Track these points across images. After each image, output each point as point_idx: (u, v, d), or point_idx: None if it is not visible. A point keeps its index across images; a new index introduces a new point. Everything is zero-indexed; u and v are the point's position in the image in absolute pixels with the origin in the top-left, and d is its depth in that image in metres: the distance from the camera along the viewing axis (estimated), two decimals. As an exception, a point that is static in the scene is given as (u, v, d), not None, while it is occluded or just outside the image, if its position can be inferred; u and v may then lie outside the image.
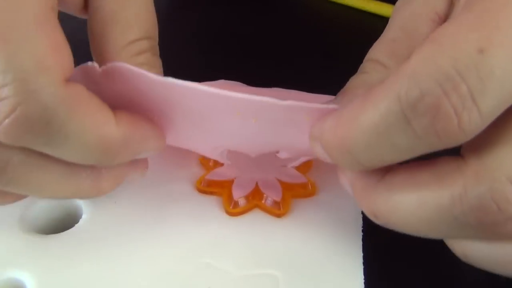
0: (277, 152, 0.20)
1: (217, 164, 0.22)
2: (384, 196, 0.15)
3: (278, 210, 0.20)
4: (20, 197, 0.18)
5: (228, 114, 0.16)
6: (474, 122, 0.13)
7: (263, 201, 0.20)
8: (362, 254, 0.19)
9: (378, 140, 0.14)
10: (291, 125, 0.16)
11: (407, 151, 0.14)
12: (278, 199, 0.20)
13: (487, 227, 0.14)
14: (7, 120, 0.14)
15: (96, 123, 0.15)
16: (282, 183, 0.21)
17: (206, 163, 0.22)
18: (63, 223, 0.20)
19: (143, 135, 0.17)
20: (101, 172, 0.17)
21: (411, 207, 0.15)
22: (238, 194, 0.20)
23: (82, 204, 0.20)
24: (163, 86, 0.15)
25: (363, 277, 0.18)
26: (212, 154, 0.21)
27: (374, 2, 0.43)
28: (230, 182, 0.21)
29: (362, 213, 0.21)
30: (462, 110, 0.13)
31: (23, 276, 0.18)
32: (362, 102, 0.14)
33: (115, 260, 0.18)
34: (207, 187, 0.21)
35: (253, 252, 0.19)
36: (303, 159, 0.21)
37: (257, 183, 0.21)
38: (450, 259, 0.20)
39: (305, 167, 0.22)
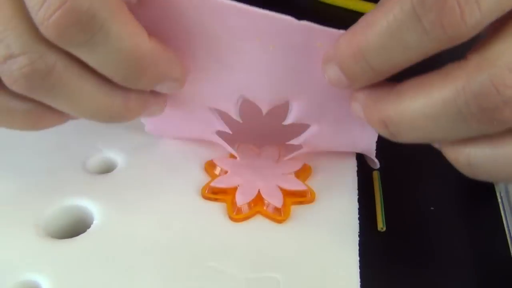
0: (287, 107, 0.21)
1: (221, 172, 0.23)
2: (395, 103, 0.17)
3: (279, 216, 0.21)
4: (57, 119, 0.19)
5: (249, 38, 0.18)
6: (474, 16, 0.15)
7: (264, 208, 0.22)
8: (358, 258, 0.20)
9: (391, 41, 0.16)
10: (305, 55, 0.18)
11: (417, 50, 0.16)
12: (279, 205, 0.21)
13: (487, 114, 0.16)
14: (58, 12, 0.16)
15: (133, 31, 0.17)
16: (282, 190, 0.22)
17: (211, 170, 0.23)
18: (75, 228, 0.21)
19: (170, 58, 0.18)
20: (131, 92, 0.19)
21: (419, 107, 0.17)
22: (241, 201, 0.21)
23: (93, 210, 0.21)
24: (192, 4, 0.17)
25: (359, 279, 0.19)
26: (227, 105, 0.21)
27: (365, 3, 0.45)
28: (234, 190, 0.22)
29: (359, 219, 0.22)
30: (465, 4, 0.15)
31: (39, 278, 0.19)
32: (375, 11, 0.16)
33: (125, 264, 0.19)
34: (212, 194, 0.22)
35: (256, 256, 0.20)
36: (302, 150, 0.23)
37: (259, 190, 0.22)
38: (440, 265, 0.21)
39: (304, 175, 0.23)
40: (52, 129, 0.20)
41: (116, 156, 0.24)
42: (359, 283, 0.19)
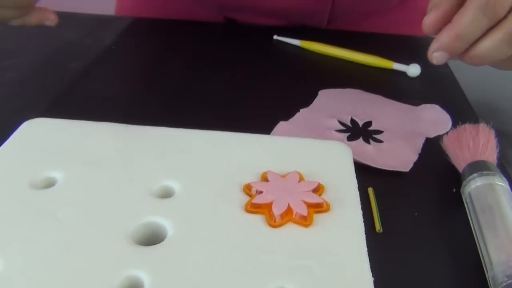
0: None
1: (257, 192, 0.31)
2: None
3: (306, 222, 0.29)
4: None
5: None
6: (508, 5, 0.30)
7: (294, 216, 0.29)
8: (366, 250, 0.28)
9: (474, 25, 0.30)
10: None
11: (483, 27, 0.31)
12: (305, 214, 0.29)
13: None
14: None
15: None
16: (306, 203, 0.30)
17: (248, 191, 0.31)
18: (150, 239, 0.28)
19: None
20: None
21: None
22: (278, 212, 0.29)
23: (166, 225, 0.28)
24: None
25: (369, 265, 0.27)
26: None
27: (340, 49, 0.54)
28: (269, 205, 0.29)
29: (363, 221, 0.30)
30: (501, 4, 0.30)
31: (140, 274, 0.25)
32: (460, 12, 0.31)
33: (203, 264, 0.26)
34: (254, 209, 0.29)
35: (292, 250, 0.27)
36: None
37: (289, 204, 0.29)
38: (423, 256, 0.29)
39: (320, 191, 0.31)
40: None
41: (174, 185, 0.31)
42: (369, 268, 0.26)
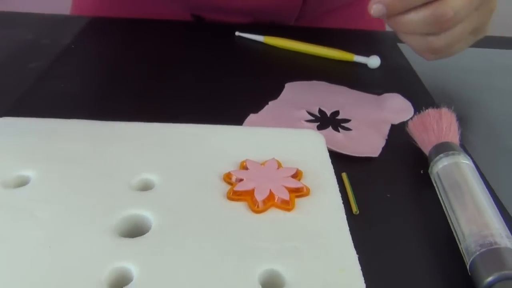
0: None
1: (237, 180, 0.31)
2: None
3: (288, 206, 0.29)
4: None
5: None
6: None
7: (276, 201, 0.29)
8: (348, 228, 0.28)
9: None
10: None
11: None
12: (287, 198, 0.29)
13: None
14: None
15: None
16: (286, 188, 0.30)
17: (229, 180, 0.31)
18: (135, 231, 0.28)
19: None
20: None
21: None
22: (260, 198, 0.29)
23: (149, 216, 0.28)
24: None
25: (352, 242, 0.27)
26: None
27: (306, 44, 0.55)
28: (251, 191, 0.30)
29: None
30: None
31: (128, 265, 0.25)
32: None
33: (192, 252, 0.26)
34: (236, 196, 0.30)
35: (278, 234, 0.28)
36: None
37: (270, 190, 0.30)
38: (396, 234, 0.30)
39: (298, 177, 0.32)
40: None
41: (153, 178, 0.31)
42: (353, 246, 0.27)
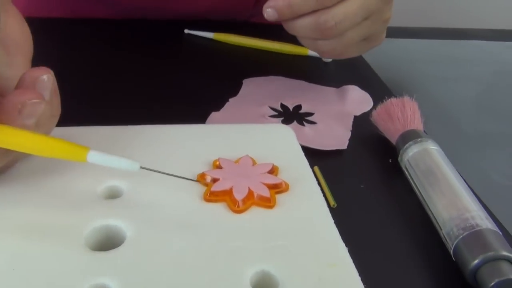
0: None
1: (212, 180, 0.29)
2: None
3: (269, 203, 0.28)
4: None
5: None
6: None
7: (256, 199, 0.28)
8: (333, 221, 0.28)
9: (305, 2, 0.36)
10: None
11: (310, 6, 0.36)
12: (268, 195, 0.28)
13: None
14: None
15: None
16: (265, 184, 0.29)
17: (203, 180, 0.29)
18: (108, 244, 0.26)
19: None
20: None
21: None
22: (239, 197, 0.28)
23: (122, 226, 0.26)
24: None
25: (339, 234, 0.27)
26: None
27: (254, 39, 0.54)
28: (230, 191, 0.28)
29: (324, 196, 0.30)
30: None
31: (106, 281, 0.23)
32: None
33: (174, 260, 0.24)
34: (213, 197, 0.28)
35: (263, 232, 0.26)
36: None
37: (249, 187, 0.28)
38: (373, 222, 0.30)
39: (275, 172, 0.30)
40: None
41: (122, 184, 0.29)
42: (341, 239, 0.26)
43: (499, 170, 0.39)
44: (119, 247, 0.25)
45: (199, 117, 0.40)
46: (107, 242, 0.26)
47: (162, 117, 0.35)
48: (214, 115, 0.41)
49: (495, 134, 0.43)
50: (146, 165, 0.28)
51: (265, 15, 0.38)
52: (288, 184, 0.30)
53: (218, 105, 0.42)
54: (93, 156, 0.26)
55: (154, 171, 0.27)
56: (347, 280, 0.24)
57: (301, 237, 0.26)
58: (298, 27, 0.38)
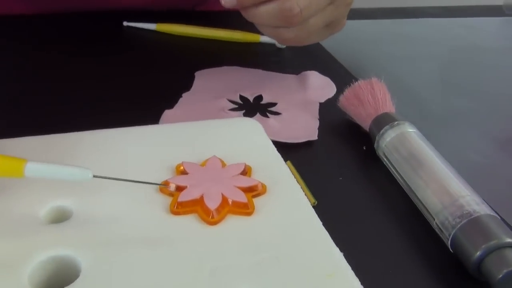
0: None
1: (176, 188, 0.25)
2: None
3: (247, 209, 0.24)
4: None
5: None
6: None
7: (232, 206, 0.24)
8: (320, 222, 0.24)
9: None
10: None
11: None
12: (245, 200, 0.24)
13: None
14: None
15: None
16: (240, 188, 0.25)
17: (167, 190, 0.25)
18: (59, 280, 0.21)
19: None
20: None
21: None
22: (213, 205, 0.24)
23: (73, 255, 0.21)
24: None
25: (329, 235, 0.23)
26: None
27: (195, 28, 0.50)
28: (200, 200, 0.24)
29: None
30: None
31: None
32: None
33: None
34: (182, 209, 0.24)
35: (246, 244, 0.22)
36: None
37: (222, 194, 0.25)
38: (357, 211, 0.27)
39: (249, 173, 0.27)
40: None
41: (70, 204, 0.24)
42: (332, 241, 0.23)
43: (475, 147, 0.37)
44: (73, 283, 0.20)
45: (151, 117, 0.35)
46: (57, 279, 0.21)
47: (107, 121, 0.30)
48: (167, 113, 0.36)
49: (463, 111, 0.42)
50: (95, 179, 0.24)
51: (222, 2, 0.35)
52: (265, 186, 0.26)
53: (170, 102, 0.38)
54: (32, 168, 0.21)
55: (111, 178, 0.23)
56: (349, 291, 0.21)
57: (289, 245, 0.23)
58: (259, 14, 0.35)
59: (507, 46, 0.60)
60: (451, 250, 0.26)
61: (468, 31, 0.60)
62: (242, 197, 0.25)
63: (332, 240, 0.23)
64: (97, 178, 0.23)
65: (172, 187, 0.25)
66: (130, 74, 0.43)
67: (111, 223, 0.23)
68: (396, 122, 0.33)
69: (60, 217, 0.24)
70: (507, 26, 0.68)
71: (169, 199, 0.25)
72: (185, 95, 0.39)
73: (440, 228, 0.27)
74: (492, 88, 0.48)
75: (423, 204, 0.28)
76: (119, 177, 0.24)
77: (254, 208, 0.24)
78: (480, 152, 0.37)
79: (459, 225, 0.26)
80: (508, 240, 0.24)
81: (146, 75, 0.43)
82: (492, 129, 0.41)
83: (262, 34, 0.50)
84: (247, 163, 0.27)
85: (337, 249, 0.23)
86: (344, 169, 0.33)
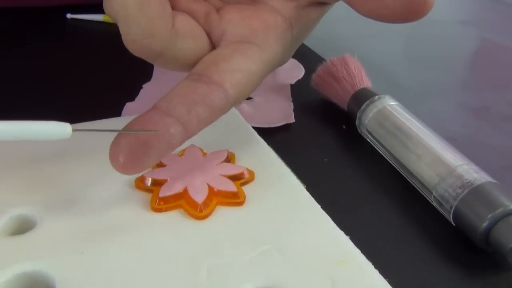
0: None
1: (153, 183, 0.22)
2: None
3: (238, 198, 0.22)
4: None
5: None
6: None
7: (219, 196, 0.22)
8: (318, 205, 0.22)
9: None
10: None
11: None
12: (234, 190, 0.22)
13: None
14: None
15: None
16: (226, 176, 0.23)
17: (143, 185, 0.22)
18: None
19: None
20: None
21: None
22: (200, 198, 0.21)
23: (48, 274, 0.18)
24: None
25: (326, 214, 0.21)
26: None
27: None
28: (184, 193, 0.21)
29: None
30: None
31: None
32: None
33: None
34: (164, 205, 0.21)
35: (242, 238, 0.20)
36: None
37: (208, 184, 0.22)
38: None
39: (232, 161, 0.24)
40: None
41: (32, 211, 0.21)
42: (336, 226, 0.21)
43: (450, 118, 0.36)
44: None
45: (111, 113, 0.32)
46: None
47: (66, 116, 0.27)
48: (129, 106, 0.33)
49: (433, 83, 0.41)
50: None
51: None
52: (252, 172, 0.24)
53: (131, 95, 0.35)
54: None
55: (93, 130, 0.19)
56: (365, 277, 0.19)
57: (290, 234, 0.20)
58: None
59: (461, 20, 0.60)
60: (453, 223, 0.25)
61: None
62: (230, 186, 0.22)
63: (334, 224, 0.21)
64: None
65: (149, 181, 0.22)
66: (80, 71, 0.39)
67: (84, 228, 0.20)
68: (376, 97, 0.31)
69: (22, 228, 0.20)
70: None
71: (147, 195, 0.22)
72: (146, 86, 0.36)
73: (439, 201, 0.25)
74: (455, 59, 0.48)
75: (417, 179, 0.27)
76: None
77: (245, 197, 0.22)
78: (456, 121, 0.36)
79: (460, 196, 0.24)
80: (514, 206, 0.23)
81: (99, 70, 0.40)
82: (463, 99, 0.40)
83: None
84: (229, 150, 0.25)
85: (341, 233, 0.21)
86: (327, 150, 0.31)
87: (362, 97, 0.32)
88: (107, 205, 0.21)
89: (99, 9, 0.47)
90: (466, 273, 0.23)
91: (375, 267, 0.19)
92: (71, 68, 0.40)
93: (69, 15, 0.47)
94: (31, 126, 0.18)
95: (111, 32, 0.46)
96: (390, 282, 0.19)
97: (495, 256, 0.24)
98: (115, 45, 0.43)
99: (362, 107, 0.31)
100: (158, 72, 0.38)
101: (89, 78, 0.38)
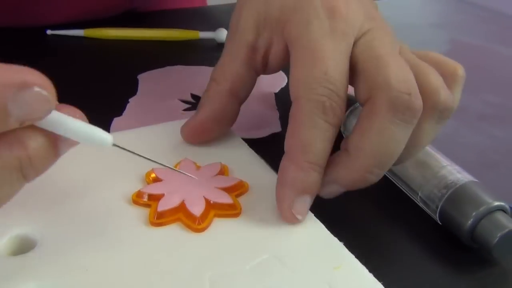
0: None
1: (150, 198, 0.23)
2: None
3: (235, 210, 0.22)
4: None
5: None
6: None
7: (216, 209, 0.22)
8: (312, 214, 0.23)
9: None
10: None
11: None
12: (231, 201, 0.23)
13: None
14: None
15: None
16: (223, 189, 0.23)
17: (141, 201, 0.23)
18: None
19: None
20: None
21: None
22: (198, 211, 0.22)
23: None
24: None
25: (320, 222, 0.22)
26: None
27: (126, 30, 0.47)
28: (181, 206, 0.22)
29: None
30: None
31: None
32: None
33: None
34: (163, 219, 0.22)
35: (242, 248, 0.21)
36: None
37: (204, 197, 0.23)
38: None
39: (226, 173, 0.25)
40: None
41: (32, 231, 0.21)
42: (330, 234, 0.22)
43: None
44: None
45: (101, 125, 0.32)
46: None
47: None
48: (117, 121, 0.33)
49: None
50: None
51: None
52: (247, 183, 0.24)
53: (117, 109, 0.35)
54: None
55: (129, 151, 0.20)
56: (361, 280, 0.20)
57: (287, 243, 0.21)
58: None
59: (430, 22, 0.62)
60: (439, 222, 0.26)
61: (393, 12, 0.62)
62: (226, 198, 0.23)
63: (327, 231, 0.22)
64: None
65: (146, 197, 0.23)
66: (64, 87, 0.39)
67: (85, 246, 0.20)
68: (357, 104, 0.32)
69: (23, 248, 0.21)
70: (428, 3, 0.70)
71: (145, 210, 0.22)
72: (132, 100, 0.36)
73: (425, 202, 0.26)
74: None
75: (402, 180, 0.28)
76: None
77: (241, 208, 0.23)
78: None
79: (445, 196, 0.25)
80: (496, 203, 0.24)
81: (83, 85, 0.40)
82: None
83: (201, 30, 0.48)
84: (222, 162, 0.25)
85: (337, 240, 0.21)
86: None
87: (347, 102, 0.33)
88: (106, 221, 0.22)
89: (79, 25, 0.47)
90: (454, 269, 0.24)
91: (368, 270, 0.20)
92: (54, 84, 0.40)
93: (49, 31, 0.47)
94: (79, 125, 0.18)
95: (92, 47, 0.47)
96: (383, 283, 0.20)
97: (481, 252, 0.25)
98: (98, 61, 0.44)
99: (346, 113, 0.32)
100: (143, 88, 0.38)
101: (74, 94, 0.38)
